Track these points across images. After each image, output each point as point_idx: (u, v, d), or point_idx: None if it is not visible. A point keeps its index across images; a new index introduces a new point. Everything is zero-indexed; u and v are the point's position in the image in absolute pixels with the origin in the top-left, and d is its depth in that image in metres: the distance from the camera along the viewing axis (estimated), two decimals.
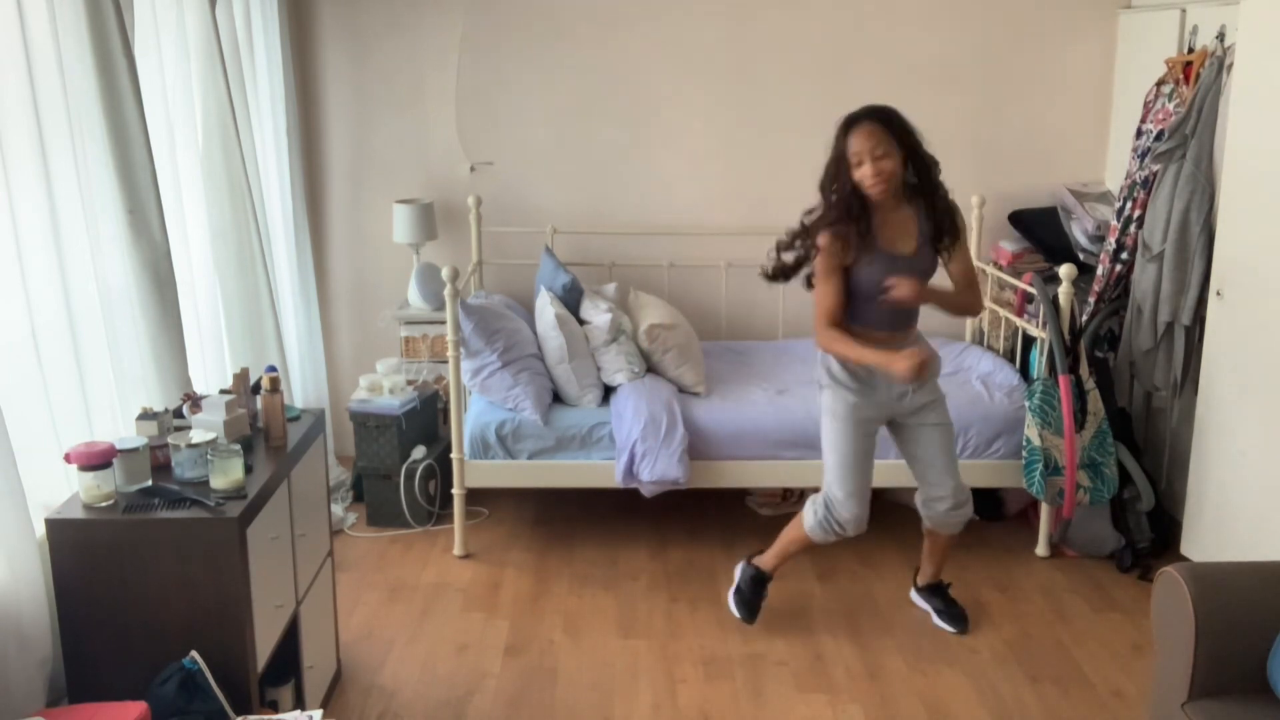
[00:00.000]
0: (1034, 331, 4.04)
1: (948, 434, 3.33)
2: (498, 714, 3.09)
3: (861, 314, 3.16)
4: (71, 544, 2.37)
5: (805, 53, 4.66)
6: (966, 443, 3.91)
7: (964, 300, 3.31)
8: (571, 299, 4.25)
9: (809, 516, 3.35)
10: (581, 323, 4.18)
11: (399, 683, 3.24)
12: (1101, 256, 4.22)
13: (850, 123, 3.01)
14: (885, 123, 2.99)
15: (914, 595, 3.69)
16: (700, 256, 4.79)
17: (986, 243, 4.72)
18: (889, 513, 4.43)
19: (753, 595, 3.53)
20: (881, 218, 3.08)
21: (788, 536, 3.46)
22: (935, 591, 3.62)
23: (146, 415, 2.63)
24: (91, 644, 2.40)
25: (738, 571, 3.58)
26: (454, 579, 3.88)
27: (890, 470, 3.94)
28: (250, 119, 3.96)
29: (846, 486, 3.26)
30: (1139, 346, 4.01)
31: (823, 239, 3.05)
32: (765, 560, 3.53)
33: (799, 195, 3.22)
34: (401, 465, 4.20)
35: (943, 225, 3.13)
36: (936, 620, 3.57)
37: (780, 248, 3.18)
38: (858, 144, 2.98)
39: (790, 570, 3.92)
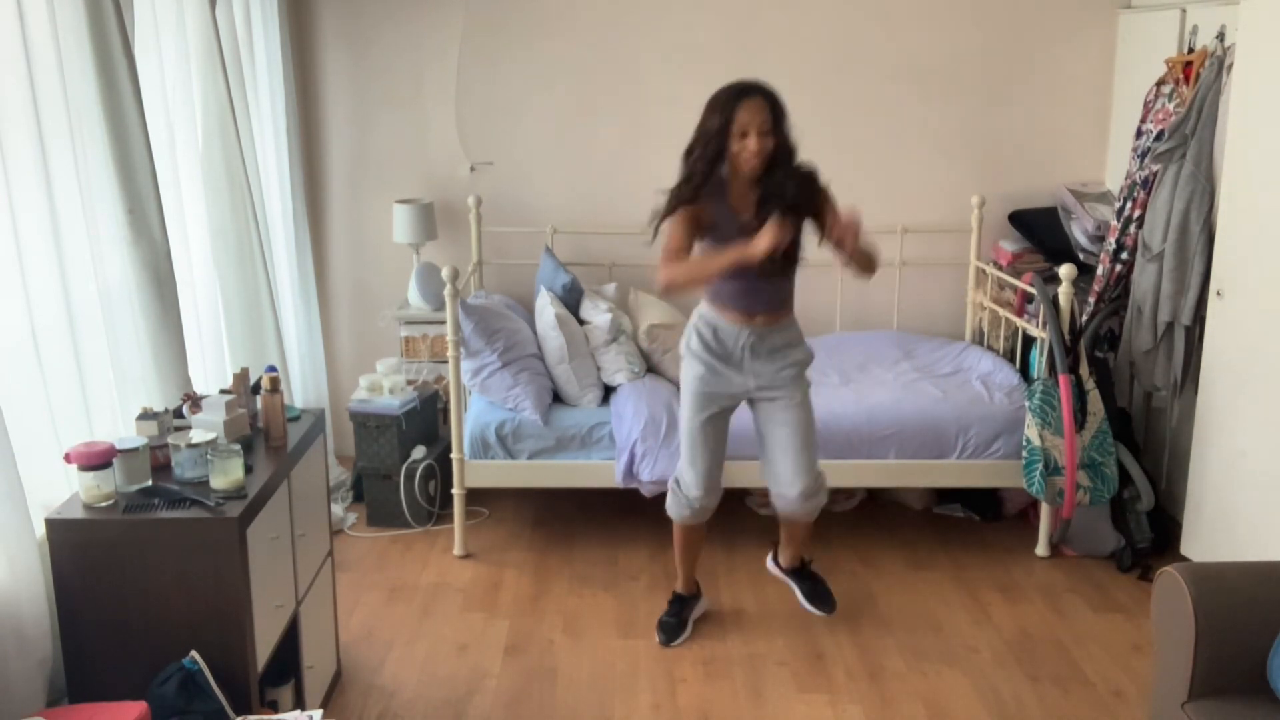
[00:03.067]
0: (1034, 331, 4.04)
1: (800, 415, 3.21)
2: (498, 714, 3.09)
3: (720, 290, 3.12)
4: (71, 544, 2.37)
5: (805, 53, 4.66)
6: (966, 443, 3.91)
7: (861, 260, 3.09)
8: (571, 299, 4.25)
9: (668, 497, 3.38)
10: (581, 323, 4.18)
11: (399, 683, 3.24)
12: (1101, 256, 4.22)
13: (742, 93, 2.94)
14: (773, 102, 2.95)
15: (771, 566, 3.67)
16: None
17: (986, 243, 4.72)
18: (889, 512, 4.43)
19: (671, 617, 3.52)
20: (737, 191, 3.04)
21: (674, 543, 3.50)
22: (799, 573, 3.57)
23: (146, 415, 2.63)
24: (91, 644, 2.40)
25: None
26: (454, 579, 3.88)
27: (890, 469, 3.95)
28: (250, 119, 3.96)
29: (692, 464, 3.27)
30: (1139, 346, 4.01)
31: (675, 219, 3.03)
32: (677, 583, 3.57)
33: None
34: (401, 465, 4.20)
35: (803, 196, 3.01)
36: (804, 603, 3.53)
37: (654, 228, 3.10)
38: (747, 116, 2.90)
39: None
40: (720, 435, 3.29)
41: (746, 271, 2.99)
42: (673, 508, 3.37)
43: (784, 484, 3.26)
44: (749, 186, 3.05)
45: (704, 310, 3.22)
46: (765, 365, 3.18)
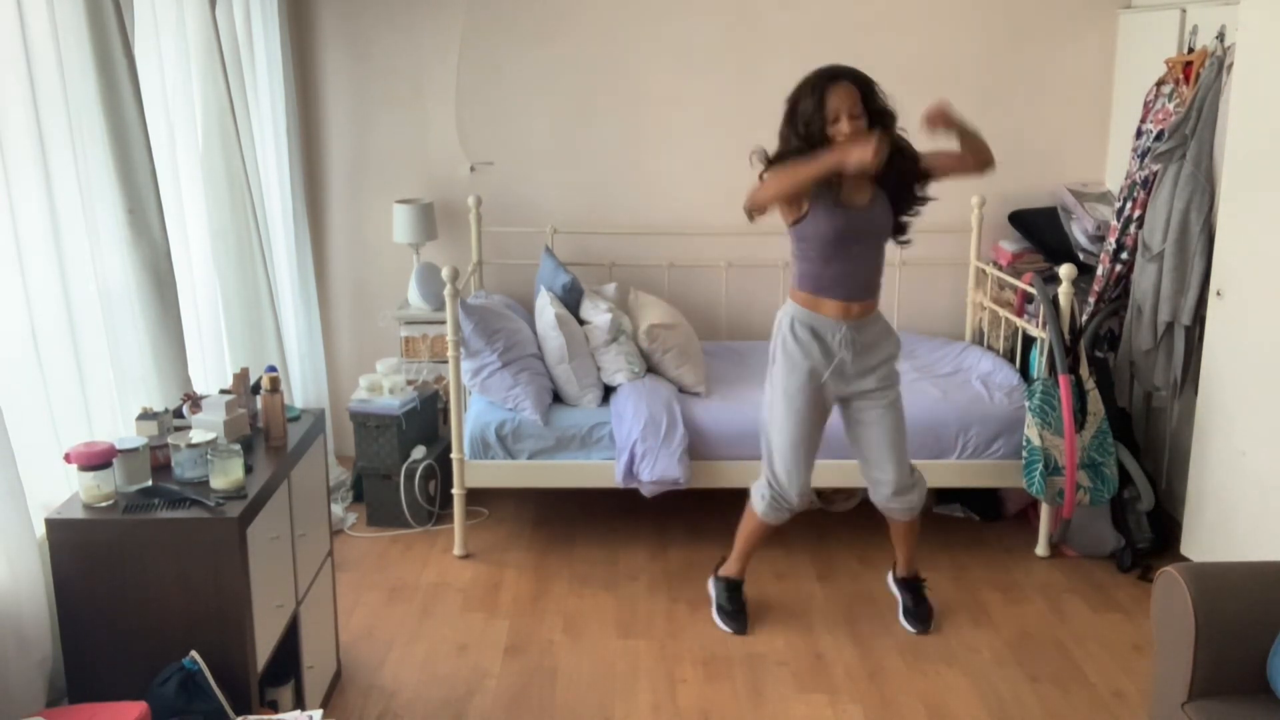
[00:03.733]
0: (1034, 331, 4.04)
1: (894, 416, 3.28)
2: (498, 714, 3.09)
3: (818, 279, 3.14)
4: (71, 544, 2.37)
5: (806, 53, 4.62)
6: (966, 443, 3.91)
7: (971, 146, 3.15)
8: (571, 299, 4.25)
9: (758, 502, 3.39)
10: (581, 323, 4.18)
11: (399, 683, 3.24)
12: (1101, 256, 4.22)
13: (832, 77, 2.97)
14: (863, 86, 2.99)
15: (890, 582, 3.70)
16: (700, 256, 4.79)
17: (986, 243, 4.72)
18: None
19: (733, 606, 3.55)
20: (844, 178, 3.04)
21: (745, 531, 3.51)
22: (908, 586, 3.60)
23: (146, 415, 2.63)
24: (91, 644, 2.40)
25: (711, 589, 3.64)
26: (454, 579, 3.88)
27: None
28: (250, 119, 3.96)
29: (795, 471, 3.30)
30: (1139, 346, 4.01)
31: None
32: (730, 567, 3.59)
33: None
34: (401, 465, 4.20)
35: (905, 171, 3.11)
36: (900, 617, 3.56)
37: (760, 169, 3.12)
38: (837, 101, 2.95)
39: (790, 570, 3.93)
40: (818, 434, 3.32)
41: (848, 247, 3.07)
42: (769, 513, 3.39)
43: (876, 481, 3.33)
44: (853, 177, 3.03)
45: (796, 309, 3.21)
46: (862, 363, 3.21)
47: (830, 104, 2.95)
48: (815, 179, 2.95)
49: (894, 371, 3.30)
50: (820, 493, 4.45)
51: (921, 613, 3.53)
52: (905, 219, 3.23)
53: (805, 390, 3.22)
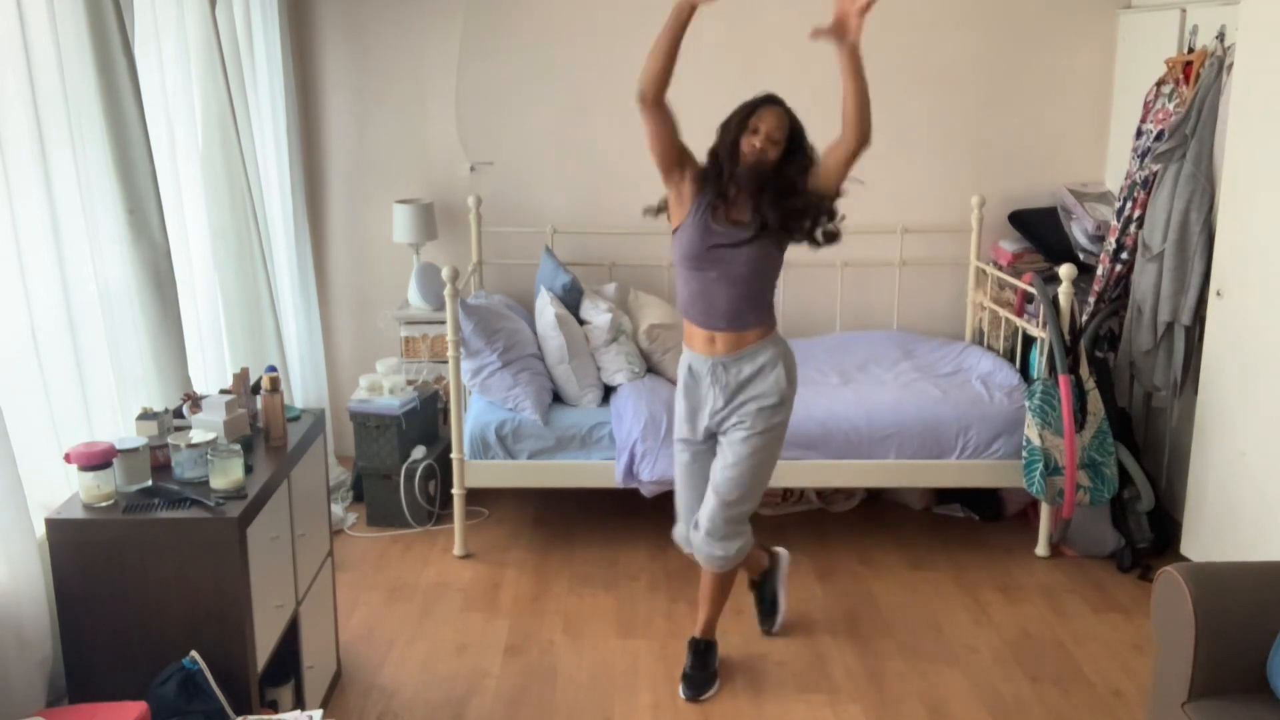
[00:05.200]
0: (1034, 331, 4.04)
1: (737, 455, 3.02)
2: (498, 714, 3.09)
3: (686, 306, 3.04)
4: (71, 544, 2.37)
5: (806, 53, 4.62)
6: (966, 443, 3.91)
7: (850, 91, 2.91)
8: (571, 299, 4.25)
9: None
10: (581, 323, 4.18)
11: (399, 683, 3.24)
12: (1101, 256, 4.22)
13: (769, 101, 2.97)
14: (793, 122, 2.95)
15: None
16: None
17: (986, 243, 4.72)
18: (889, 512, 4.43)
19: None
20: (731, 196, 2.97)
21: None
22: (693, 648, 3.25)
23: (146, 415, 2.63)
24: (91, 644, 2.40)
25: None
26: (454, 579, 3.88)
27: (890, 469, 3.94)
28: (250, 119, 3.96)
29: (681, 513, 3.24)
30: (1139, 346, 4.01)
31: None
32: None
33: None
34: (401, 465, 4.20)
35: (786, 190, 2.94)
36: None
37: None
38: (769, 119, 2.91)
39: (790, 570, 3.92)
40: (701, 481, 3.15)
41: (703, 270, 2.94)
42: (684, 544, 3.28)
43: (698, 522, 3.14)
44: (745, 188, 2.96)
45: (685, 351, 3.13)
46: (732, 402, 3.03)
47: (760, 117, 2.91)
48: (670, 29, 2.92)
49: (761, 415, 3.00)
50: (820, 493, 4.46)
51: (695, 680, 3.19)
52: (806, 236, 2.98)
53: (682, 430, 3.12)
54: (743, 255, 2.94)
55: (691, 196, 3.02)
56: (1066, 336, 3.84)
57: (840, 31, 2.84)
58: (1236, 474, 3.44)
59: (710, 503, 3.09)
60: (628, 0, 4.64)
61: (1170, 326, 3.88)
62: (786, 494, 4.45)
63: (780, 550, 3.57)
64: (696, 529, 3.16)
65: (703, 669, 3.22)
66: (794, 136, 2.95)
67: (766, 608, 3.53)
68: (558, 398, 4.09)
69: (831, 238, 3.01)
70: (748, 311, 3.00)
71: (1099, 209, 4.47)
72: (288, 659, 2.80)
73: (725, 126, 2.99)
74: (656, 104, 2.97)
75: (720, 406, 3.04)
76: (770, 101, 2.97)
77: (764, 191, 2.93)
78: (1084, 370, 3.86)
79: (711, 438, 3.12)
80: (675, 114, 3.01)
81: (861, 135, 2.89)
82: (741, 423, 3.02)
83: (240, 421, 2.76)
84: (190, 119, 3.48)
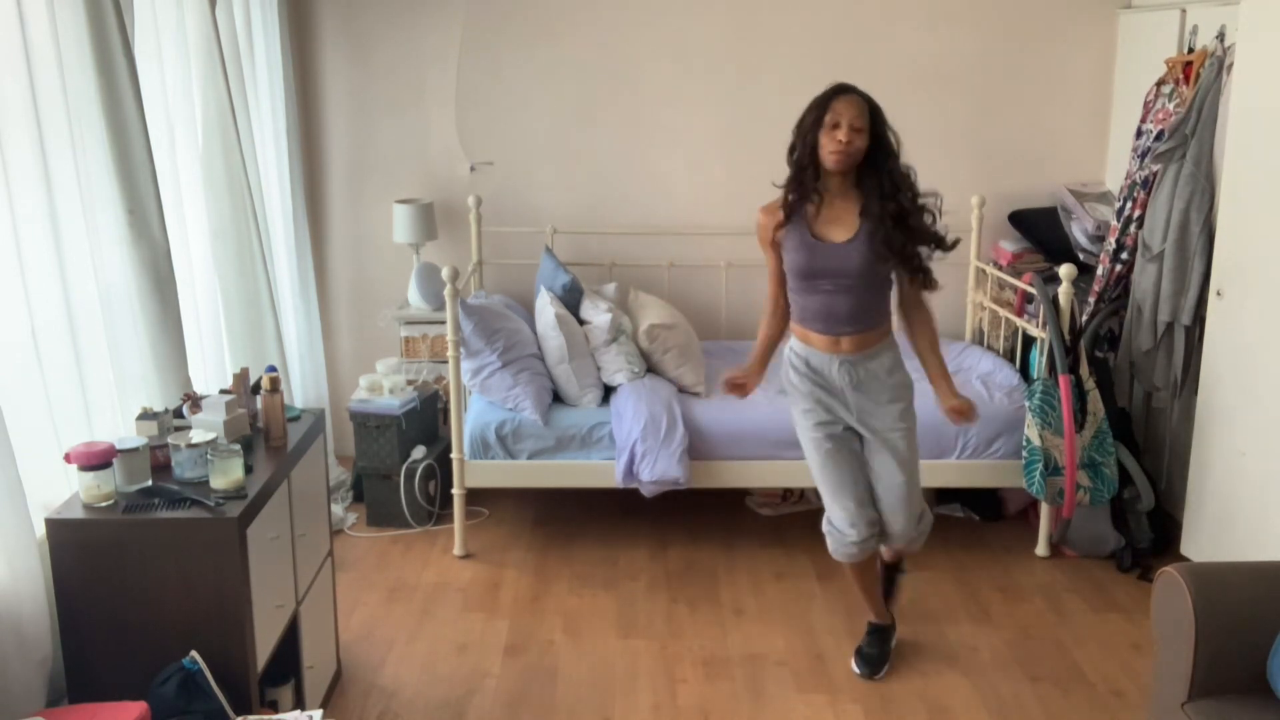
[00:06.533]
0: (1034, 331, 4.04)
1: (900, 453, 3.06)
2: (498, 714, 3.09)
3: (801, 312, 3.04)
4: (71, 544, 2.37)
5: (805, 52, 4.66)
6: (966, 443, 3.91)
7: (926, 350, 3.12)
8: (571, 299, 4.25)
9: (828, 540, 3.19)
10: (581, 323, 4.18)
11: (399, 683, 3.24)
12: (1101, 256, 4.22)
13: (841, 90, 2.89)
14: (871, 105, 2.89)
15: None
16: (700, 256, 4.79)
17: (986, 243, 4.72)
18: None
19: (872, 649, 3.33)
20: (827, 200, 2.94)
21: (860, 586, 3.30)
22: (870, 628, 3.36)
23: (146, 415, 2.63)
24: (91, 644, 2.40)
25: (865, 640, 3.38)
26: (454, 579, 3.88)
27: None
28: (250, 119, 3.96)
29: (836, 502, 3.11)
30: (1139, 346, 4.01)
31: (758, 215, 3.03)
32: (875, 616, 3.36)
33: None
34: (401, 465, 4.20)
35: (893, 226, 2.91)
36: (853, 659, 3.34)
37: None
38: (842, 107, 2.83)
39: (790, 570, 3.93)
40: (853, 466, 3.10)
41: (816, 281, 2.96)
42: (837, 551, 3.16)
43: (884, 522, 3.15)
44: (837, 194, 2.93)
45: (793, 340, 3.10)
46: (867, 398, 3.03)
47: (836, 108, 2.83)
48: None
49: (907, 413, 3.08)
50: None
51: (871, 657, 3.30)
52: (907, 257, 2.97)
53: (818, 415, 3.07)
54: (853, 264, 2.91)
55: (786, 221, 2.97)
56: (1066, 336, 3.84)
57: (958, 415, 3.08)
58: (1236, 474, 3.44)
59: (895, 506, 3.11)
60: (628, 1, 4.65)
61: (1170, 326, 3.88)
62: (787, 494, 4.45)
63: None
64: (889, 538, 3.18)
65: (880, 646, 3.32)
66: (875, 121, 2.88)
67: (876, 653, 3.34)
68: (558, 398, 4.09)
69: (936, 241, 3.02)
70: (865, 316, 3.00)
71: (1099, 209, 4.47)
72: (288, 659, 2.80)
73: (800, 128, 2.92)
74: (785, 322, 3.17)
75: (861, 404, 3.04)
76: (841, 91, 2.88)
77: (862, 186, 2.91)
78: (1084, 370, 3.86)
79: (851, 430, 3.10)
80: (782, 288, 3.12)
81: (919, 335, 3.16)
82: (895, 425, 3.05)
83: (240, 421, 2.76)
84: (190, 119, 3.48)
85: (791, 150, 2.96)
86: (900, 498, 3.10)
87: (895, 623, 3.41)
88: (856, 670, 3.29)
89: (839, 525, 3.13)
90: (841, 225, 2.94)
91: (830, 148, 2.84)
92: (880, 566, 3.41)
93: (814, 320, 3.02)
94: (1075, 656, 3.39)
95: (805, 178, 2.91)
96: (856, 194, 2.94)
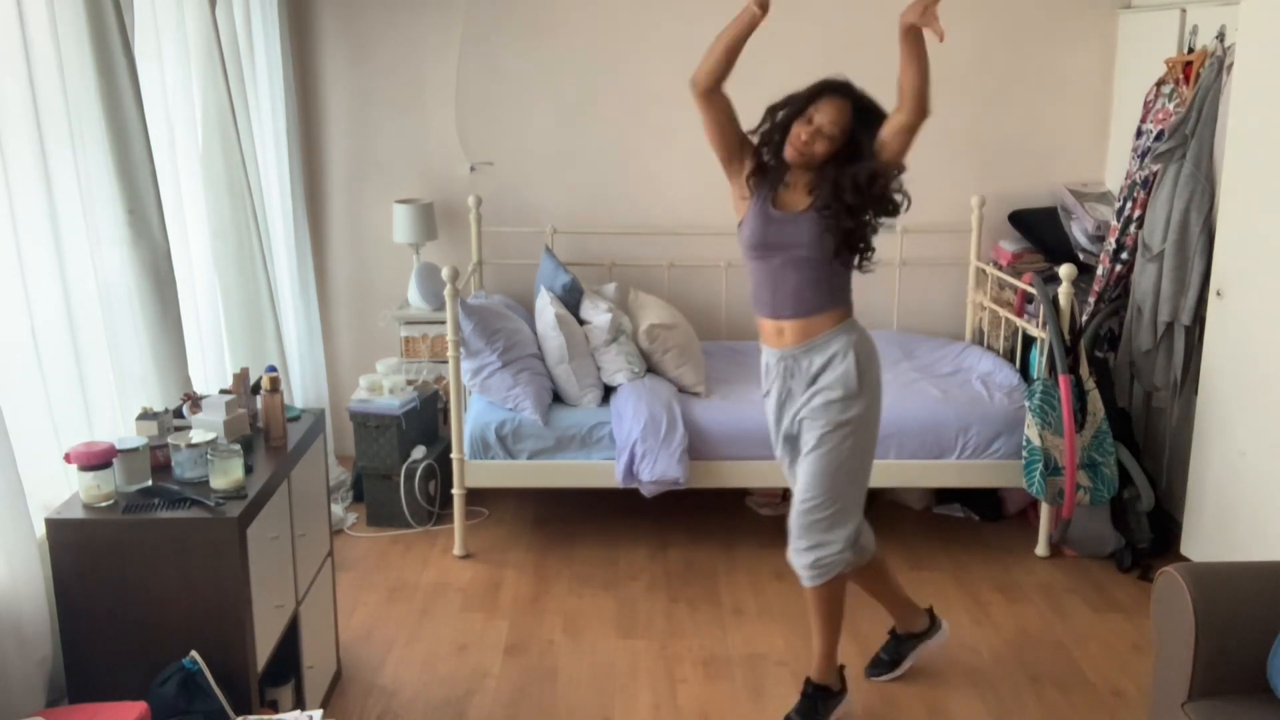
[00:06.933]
0: (1034, 331, 4.04)
1: (820, 461, 2.83)
2: (498, 714, 3.09)
3: (752, 290, 2.90)
4: (71, 544, 2.37)
5: (805, 52, 4.64)
6: (966, 443, 3.91)
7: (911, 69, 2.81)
8: (571, 299, 4.25)
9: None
10: (581, 323, 4.18)
11: (399, 683, 3.24)
12: (1101, 256, 4.22)
13: (830, 89, 2.78)
14: (859, 107, 2.78)
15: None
16: (700, 256, 4.79)
17: (986, 243, 4.72)
18: (889, 512, 4.43)
19: (888, 654, 3.26)
20: (792, 177, 2.84)
21: (870, 595, 3.18)
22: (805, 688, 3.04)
23: (146, 415, 2.63)
24: (91, 644, 2.40)
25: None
26: (454, 579, 3.88)
27: (890, 469, 3.94)
28: (250, 119, 3.96)
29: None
30: (1139, 346, 4.01)
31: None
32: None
33: None
34: (401, 465, 4.20)
35: (845, 212, 2.76)
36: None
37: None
38: (825, 109, 2.74)
39: (790, 570, 3.92)
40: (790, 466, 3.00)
41: (767, 256, 2.80)
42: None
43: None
44: (797, 173, 2.83)
45: (760, 340, 2.99)
46: (800, 390, 2.87)
47: (817, 106, 2.75)
48: (734, 31, 2.80)
49: (828, 409, 2.82)
50: None
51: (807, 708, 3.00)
52: (856, 231, 2.79)
53: (772, 420, 2.98)
54: (805, 235, 2.77)
55: (755, 187, 2.87)
56: (1066, 336, 3.84)
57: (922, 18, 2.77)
58: (1236, 474, 3.44)
59: (792, 506, 2.92)
60: (627, 0, 4.65)
61: (1170, 326, 3.88)
62: (786, 494, 4.44)
63: (943, 622, 3.30)
64: (790, 548, 2.93)
65: (809, 716, 2.96)
66: (859, 123, 2.76)
67: (886, 658, 3.25)
68: (558, 398, 4.09)
69: (893, 207, 2.81)
70: (813, 296, 2.82)
71: (1099, 209, 4.47)
72: (288, 659, 2.80)
73: (780, 107, 2.82)
74: (708, 93, 2.85)
75: (801, 403, 2.87)
76: (829, 90, 2.78)
77: (823, 168, 2.79)
78: (1084, 370, 3.86)
79: (794, 439, 2.94)
80: (732, 105, 2.88)
81: (924, 109, 2.77)
82: (811, 418, 2.85)
83: (240, 421, 2.76)
84: (190, 119, 3.48)
85: (771, 110, 2.85)
86: (799, 500, 2.88)
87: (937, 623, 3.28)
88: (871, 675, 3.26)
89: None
90: (795, 191, 2.85)
91: (793, 143, 2.78)
92: (890, 632, 3.24)
93: (759, 303, 2.90)
94: (1075, 656, 3.39)
95: (774, 150, 2.83)
96: (811, 176, 2.83)
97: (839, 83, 2.83)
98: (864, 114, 2.81)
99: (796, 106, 2.81)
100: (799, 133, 2.77)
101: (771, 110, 2.87)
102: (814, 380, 2.86)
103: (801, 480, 2.89)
